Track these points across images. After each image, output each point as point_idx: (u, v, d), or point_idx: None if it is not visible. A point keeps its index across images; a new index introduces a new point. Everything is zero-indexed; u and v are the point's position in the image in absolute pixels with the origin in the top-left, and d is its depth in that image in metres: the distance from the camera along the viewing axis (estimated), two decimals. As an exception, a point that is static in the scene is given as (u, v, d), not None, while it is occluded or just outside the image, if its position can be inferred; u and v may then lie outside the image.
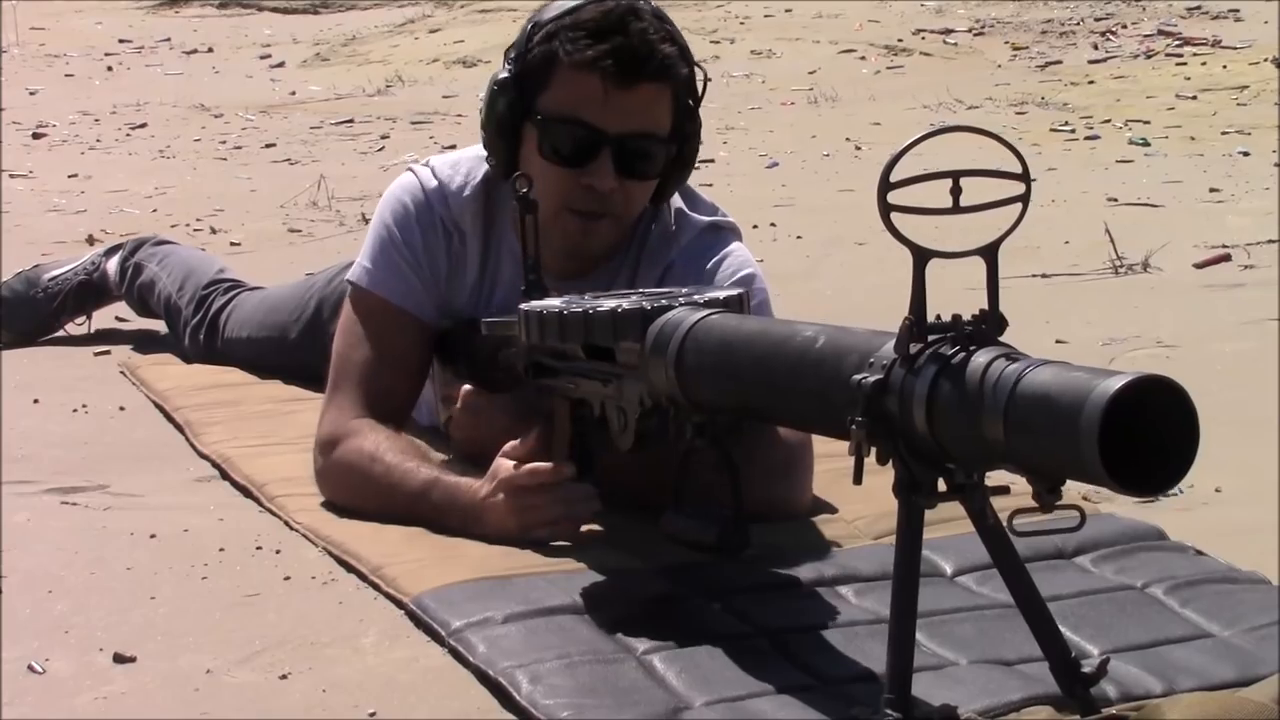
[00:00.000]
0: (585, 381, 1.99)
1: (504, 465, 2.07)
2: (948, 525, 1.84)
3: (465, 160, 2.39)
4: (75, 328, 3.52)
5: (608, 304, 1.89)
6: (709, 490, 1.85)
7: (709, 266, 2.31)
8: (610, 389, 1.94)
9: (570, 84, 2.20)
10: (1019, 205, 1.50)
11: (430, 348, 2.36)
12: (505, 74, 2.26)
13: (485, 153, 2.31)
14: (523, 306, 2.00)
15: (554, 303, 1.97)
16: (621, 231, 2.31)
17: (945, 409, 1.43)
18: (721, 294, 1.85)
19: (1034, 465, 1.39)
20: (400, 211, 2.36)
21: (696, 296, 1.84)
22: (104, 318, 3.57)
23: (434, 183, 2.36)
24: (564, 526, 2.05)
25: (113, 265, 3.45)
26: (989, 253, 1.49)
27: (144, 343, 3.45)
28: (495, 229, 2.36)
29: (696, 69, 2.26)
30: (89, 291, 3.47)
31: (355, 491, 2.23)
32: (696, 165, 2.33)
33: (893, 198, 1.46)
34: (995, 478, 1.53)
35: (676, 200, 2.36)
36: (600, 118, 2.19)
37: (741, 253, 2.35)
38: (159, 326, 3.53)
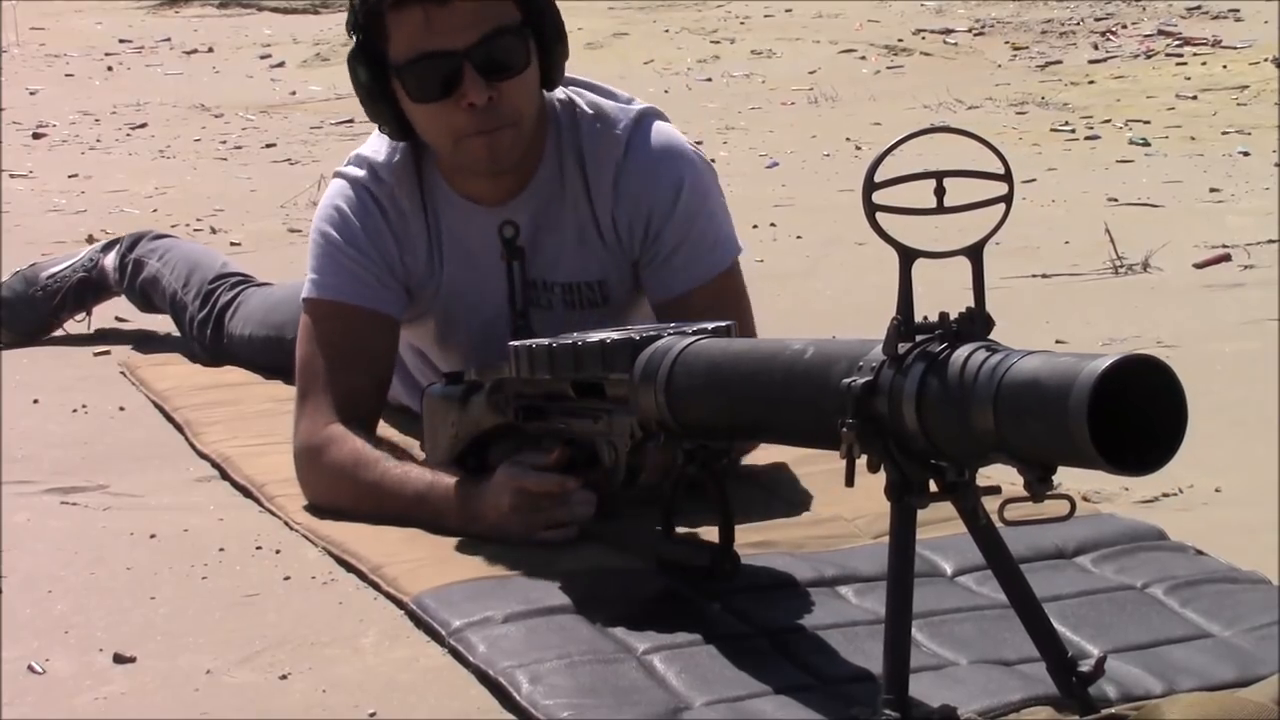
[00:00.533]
0: (576, 420, 2.01)
1: (512, 470, 2.06)
2: (947, 525, 1.84)
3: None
4: (75, 325, 3.52)
5: (596, 336, 1.90)
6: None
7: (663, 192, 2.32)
8: (600, 425, 1.96)
9: (400, 26, 2.20)
10: (1004, 205, 1.50)
11: (394, 337, 2.37)
12: (351, 43, 2.27)
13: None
14: (511, 344, 2.01)
15: (542, 340, 1.97)
16: (528, 134, 2.29)
17: (935, 404, 1.44)
18: (710, 325, 1.86)
19: (1025, 453, 1.39)
20: (334, 215, 2.36)
21: (685, 328, 1.85)
22: (104, 318, 3.57)
23: (358, 171, 2.37)
24: (566, 530, 2.05)
25: (110, 261, 3.44)
26: (974, 252, 1.50)
27: (144, 343, 3.45)
28: (431, 193, 2.36)
29: None
30: (88, 288, 3.47)
31: (345, 499, 2.22)
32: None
33: (878, 198, 1.47)
34: (986, 477, 1.53)
35: (587, 94, 2.37)
36: (441, 41, 2.19)
37: (680, 157, 2.34)
38: (159, 326, 3.53)
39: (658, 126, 2.37)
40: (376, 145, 2.39)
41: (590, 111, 2.35)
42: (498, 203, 2.33)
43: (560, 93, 2.36)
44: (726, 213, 2.41)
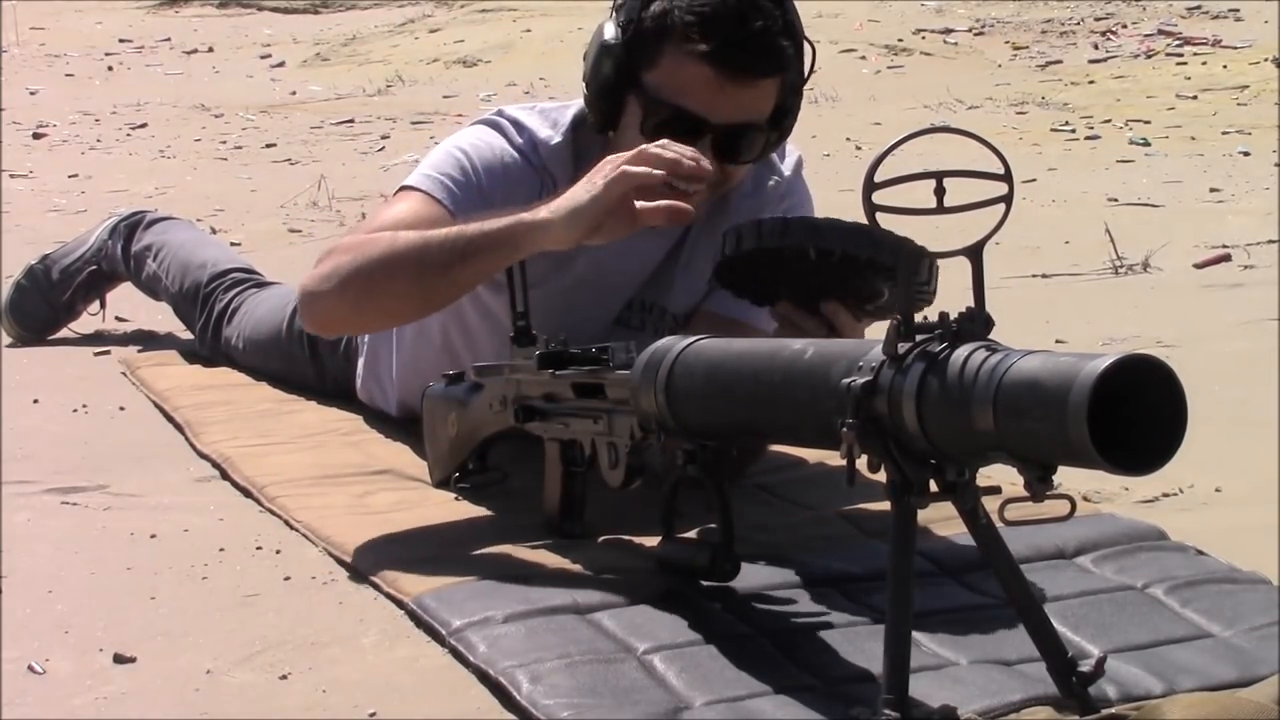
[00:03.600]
0: (575, 421, 2.01)
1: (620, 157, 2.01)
2: (947, 525, 1.84)
3: (549, 110, 2.34)
4: (90, 316, 3.52)
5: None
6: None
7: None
8: (600, 425, 1.96)
9: (680, 70, 2.16)
10: (1003, 205, 1.51)
11: None
12: (613, 36, 2.21)
13: (575, 105, 2.29)
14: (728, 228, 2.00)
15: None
16: (713, 198, 2.29)
17: (935, 403, 1.44)
18: None
19: (1025, 452, 1.40)
20: (483, 146, 2.28)
21: None
22: (105, 318, 3.57)
23: (518, 137, 2.30)
24: (667, 210, 2.00)
25: (117, 250, 3.44)
26: (974, 253, 1.50)
27: (144, 343, 3.45)
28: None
29: (807, 45, 2.22)
30: (100, 278, 3.47)
31: (375, 265, 2.13)
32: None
33: (878, 198, 1.47)
34: (986, 477, 1.53)
35: None
36: (707, 108, 2.16)
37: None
38: (159, 326, 3.54)
39: (803, 176, 2.42)
40: (536, 119, 2.32)
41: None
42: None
43: None
44: None
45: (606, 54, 2.22)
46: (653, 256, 2.39)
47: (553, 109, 2.36)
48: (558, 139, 2.31)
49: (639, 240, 2.27)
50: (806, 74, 2.25)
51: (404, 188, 2.31)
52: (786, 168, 2.41)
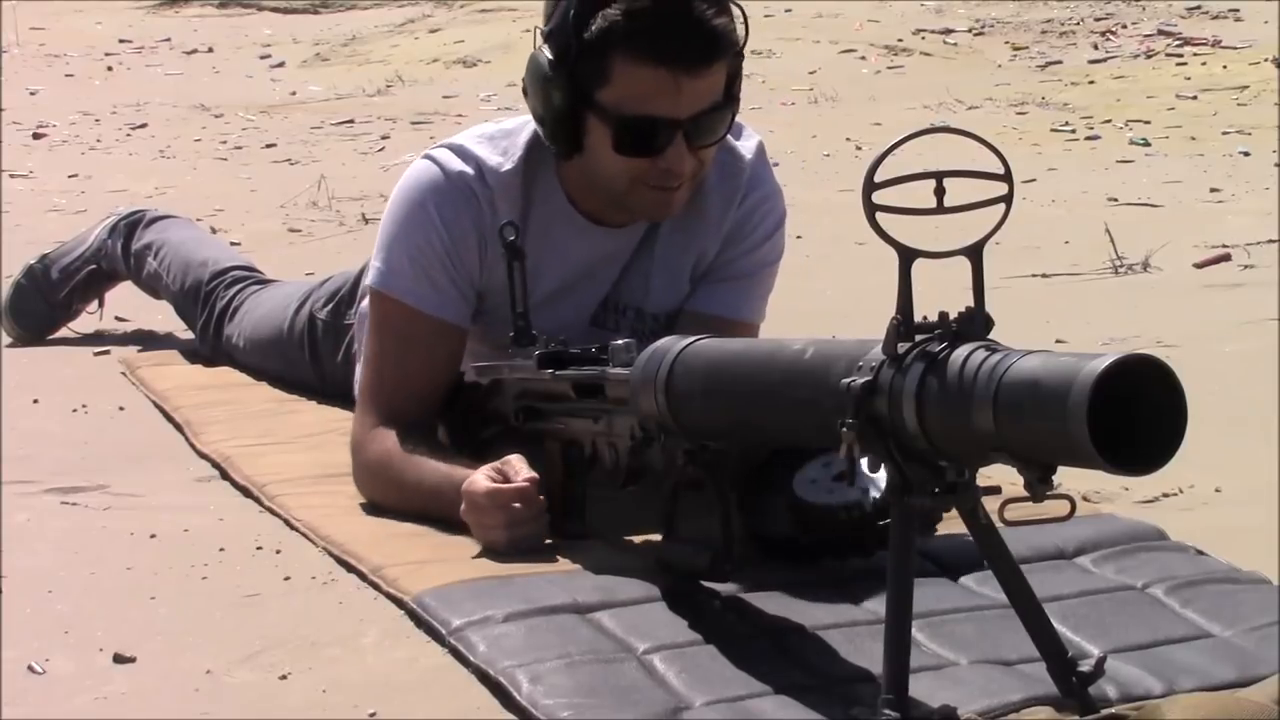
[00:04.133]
0: (575, 420, 2.01)
1: (475, 480, 2.06)
2: (947, 525, 1.84)
3: (500, 136, 2.31)
4: (89, 315, 3.52)
5: None
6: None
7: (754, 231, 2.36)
8: (600, 425, 1.96)
9: (635, 79, 2.14)
10: (1003, 205, 1.51)
11: (461, 344, 2.31)
12: (548, 61, 2.18)
13: (528, 128, 2.27)
14: None
15: None
16: (698, 185, 2.29)
17: (935, 403, 1.44)
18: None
19: (1025, 452, 1.39)
20: (419, 208, 2.27)
21: None
22: (104, 318, 3.57)
23: (462, 166, 2.27)
24: (507, 544, 2.02)
25: (116, 249, 3.44)
26: (973, 252, 1.50)
27: (144, 343, 3.45)
28: (541, 205, 2.29)
29: (737, 10, 2.20)
30: (99, 277, 3.47)
31: (380, 496, 2.24)
32: None
33: (878, 198, 1.47)
34: (986, 477, 1.53)
35: None
36: (670, 108, 2.15)
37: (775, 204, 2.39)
38: (159, 326, 3.54)
39: (768, 160, 2.40)
40: (486, 147, 2.30)
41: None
42: (617, 225, 2.31)
43: None
44: None
45: (553, 84, 2.18)
46: (619, 258, 2.36)
47: (502, 136, 2.32)
48: (509, 166, 2.28)
49: (606, 242, 2.30)
50: (743, 38, 2.22)
51: (382, 295, 2.30)
52: (747, 150, 2.37)
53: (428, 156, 2.32)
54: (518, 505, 2.01)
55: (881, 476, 1.55)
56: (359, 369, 2.39)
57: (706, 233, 2.35)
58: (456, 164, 2.28)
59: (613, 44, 2.13)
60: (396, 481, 2.20)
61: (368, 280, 2.36)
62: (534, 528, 2.03)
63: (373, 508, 2.24)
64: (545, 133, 2.23)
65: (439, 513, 2.12)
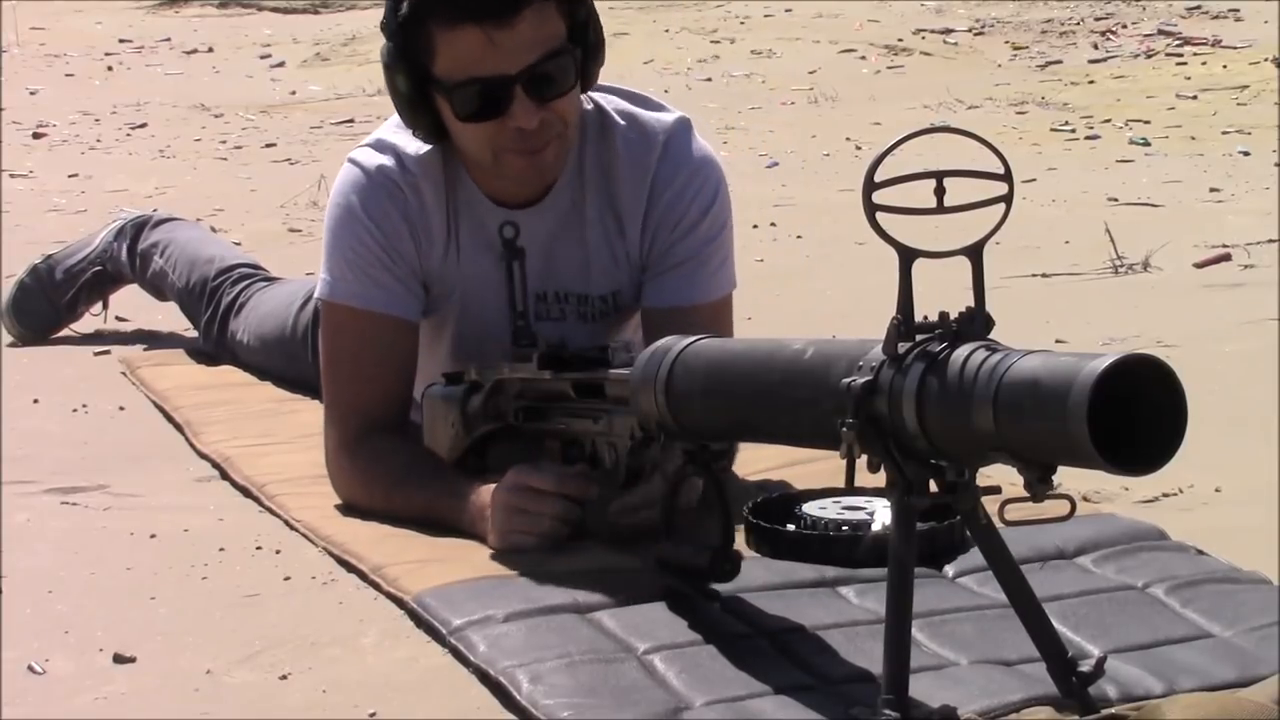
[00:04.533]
0: (576, 420, 2.01)
1: (507, 478, 2.05)
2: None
3: None
4: (93, 316, 3.52)
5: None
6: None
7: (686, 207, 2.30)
8: (600, 425, 1.96)
9: (454, 44, 2.13)
10: (1003, 205, 1.51)
11: (414, 338, 2.31)
12: (385, 49, 2.19)
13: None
14: None
15: None
16: (571, 143, 2.26)
17: (935, 403, 1.44)
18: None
19: (1025, 452, 1.40)
20: (349, 210, 2.27)
21: None
22: (107, 319, 3.57)
23: (381, 158, 2.28)
24: (535, 540, 2.02)
25: (122, 251, 3.44)
26: (974, 252, 1.50)
27: (144, 342, 3.46)
28: (456, 188, 2.29)
29: None
30: (104, 279, 3.48)
31: (368, 504, 2.22)
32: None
33: (878, 198, 1.47)
34: (986, 477, 1.53)
35: (617, 101, 2.32)
36: (497, 64, 2.12)
37: (713, 175, 2.32)
38: (159, 326, 3.54)
39: (695, 137, 2.33)
40: (402, 134, 2.29)
41: (622, 121, 2.30)
42: (522, 205, 2.29)
43: (587, 100, 2.30)
44: (733, 243, 2.40)
45: (393, 71, 2.19)
46: (539, 239, 2.31)
47: None
48: (425, 148, 2.27)
49: (520, 222, 2.27)
50: None
51: (330, 304, 2.30)
52: (659, 126, 2.31)
53: (350, 159, 2.33)
54: (568, 494, 2.01)
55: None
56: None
57: (626, 207, 2.30)
58: (375, 159, 2.29)
59: (425, 14, 2.13)
60: (380, 491, 2.20)
61: (316, 293, 2.35)
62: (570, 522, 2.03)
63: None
64: (406, 121, 2.23)
65: (436, 517, 2.13)
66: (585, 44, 2.20)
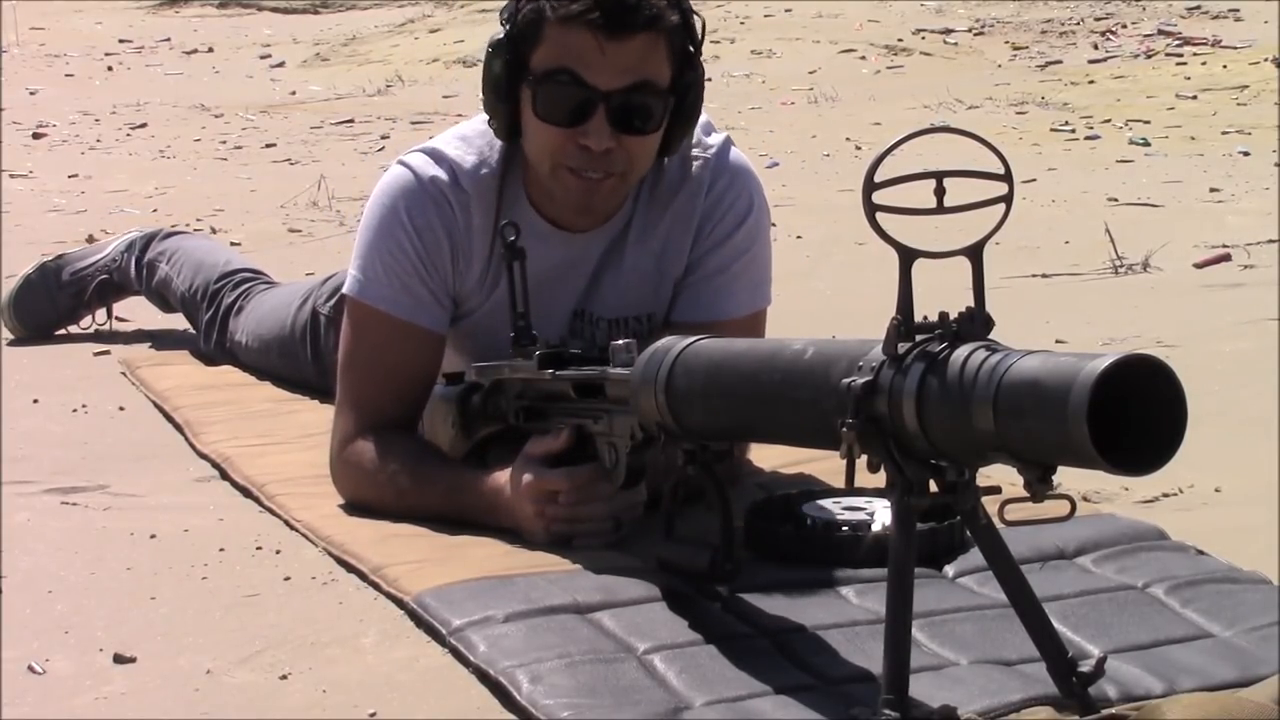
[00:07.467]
0: (576, 421, 2.00)
1: (524, 470, 2.04)
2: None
3: (476, 136, 2.30)
4: (94, 322, 3.53)
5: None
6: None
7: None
8: (600, 425, 1.96)
9: (559, 40, 2.12)
10: (1003, 205, 1.51)
11: (439, 351, 2.30)
12: (499, 34, 2.19)
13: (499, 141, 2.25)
14: None
15: None
16: (629, 189, 2.24)
17: (935, 403, 1.44)
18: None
19: (1025, 452, 1.40)
20: (394, 214, 2.26)
21: None
22: (111, 325, 3.58)
23: (436, 170, 2.26)
24: (596, 537, 2.02)
25: (131, 264, 3.46)
26: (974, 252, 1.50)
27: (144, 342, 3.46)
28: (508, 210, 2.26)
29: (693, 14, 2.18)
30: (109, 288, 3.49)
31: (374, 501, 2.22)
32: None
33: (878, 198, 1.47)
34: (986, 477, 1.53)
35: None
36: (592, 73, 2.12)
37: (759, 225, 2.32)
38: (159, 326, 3.54)
39: (735, 151, 2.33)
40: (463, 149, 2.28)
41: (675, 172, 2.29)
42: (576, 231, 2.27)
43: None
44: (771, 261, 2.38)
45: (495, 52, 2.18)
46: (583, 267, 2.32)
47: (478, 135, 2.30)
48: (486, 170, 2.27)
49: (568, 248, 2.27)
50: (700, 39, 2.19)
51: (357, 303, 2.29)
52: (712, 142, 2.31)
53: (402, 161, 2.31)
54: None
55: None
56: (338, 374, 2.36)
57: (675, 229, 2.29)
58: (430, 169, 2.27)
59: (543, 4, 2.13)
60: (391, 484, 2.19)
61: (345, 288, 2.34)
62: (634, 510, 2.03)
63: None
64: (485, 104, 2.22)
65: (454, 511, 2.12)
66: (682, 102, 2.19)
